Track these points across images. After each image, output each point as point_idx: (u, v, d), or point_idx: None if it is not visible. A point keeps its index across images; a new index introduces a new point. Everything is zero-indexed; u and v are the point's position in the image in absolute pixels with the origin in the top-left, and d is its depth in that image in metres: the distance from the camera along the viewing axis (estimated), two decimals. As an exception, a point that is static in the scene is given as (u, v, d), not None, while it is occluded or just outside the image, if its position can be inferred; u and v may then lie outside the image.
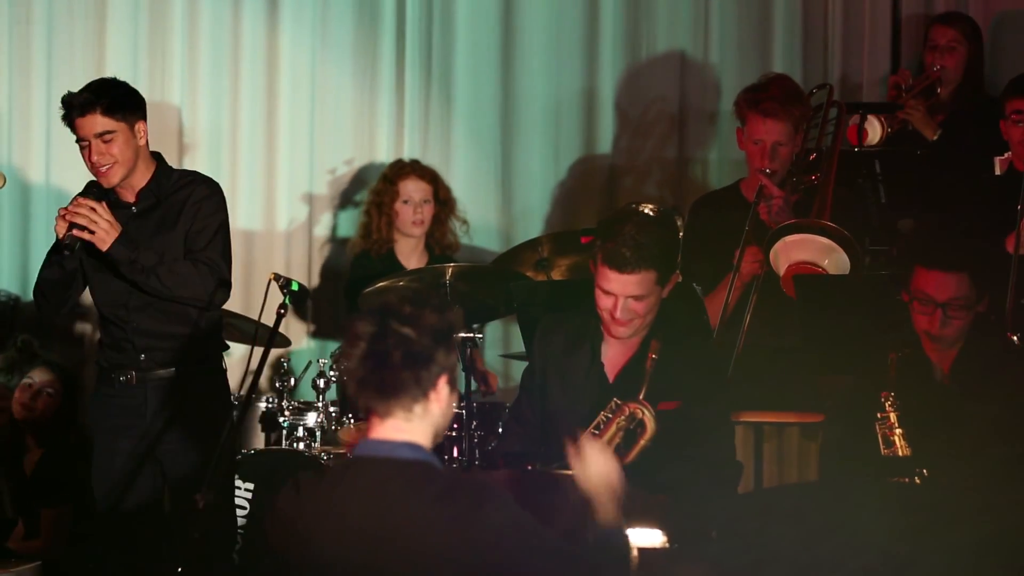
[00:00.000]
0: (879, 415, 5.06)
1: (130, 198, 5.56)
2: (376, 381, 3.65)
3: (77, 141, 5.51)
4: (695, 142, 7.93)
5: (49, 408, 6.56)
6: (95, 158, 5.46)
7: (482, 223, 7.67)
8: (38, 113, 7.34)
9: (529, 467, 4.89)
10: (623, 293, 4.95)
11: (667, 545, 4.20)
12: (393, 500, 3.63)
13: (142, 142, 5.53)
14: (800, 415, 6.09)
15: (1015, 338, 5.51)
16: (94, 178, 5.57)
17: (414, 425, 3.68)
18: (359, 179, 7.67)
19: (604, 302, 5.00)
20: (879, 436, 5.05)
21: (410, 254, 7.21)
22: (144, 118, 5.55)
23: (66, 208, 5.41)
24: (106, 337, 5.63)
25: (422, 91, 7.75)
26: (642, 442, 4.88)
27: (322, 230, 7.67)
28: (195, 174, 5.71)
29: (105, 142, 5.45)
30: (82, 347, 7.38)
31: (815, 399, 6.09)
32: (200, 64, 7.47)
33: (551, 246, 6.95)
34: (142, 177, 5.56)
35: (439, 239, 7.24)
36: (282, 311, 5.19)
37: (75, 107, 5.46)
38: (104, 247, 5.39)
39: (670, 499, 4.71)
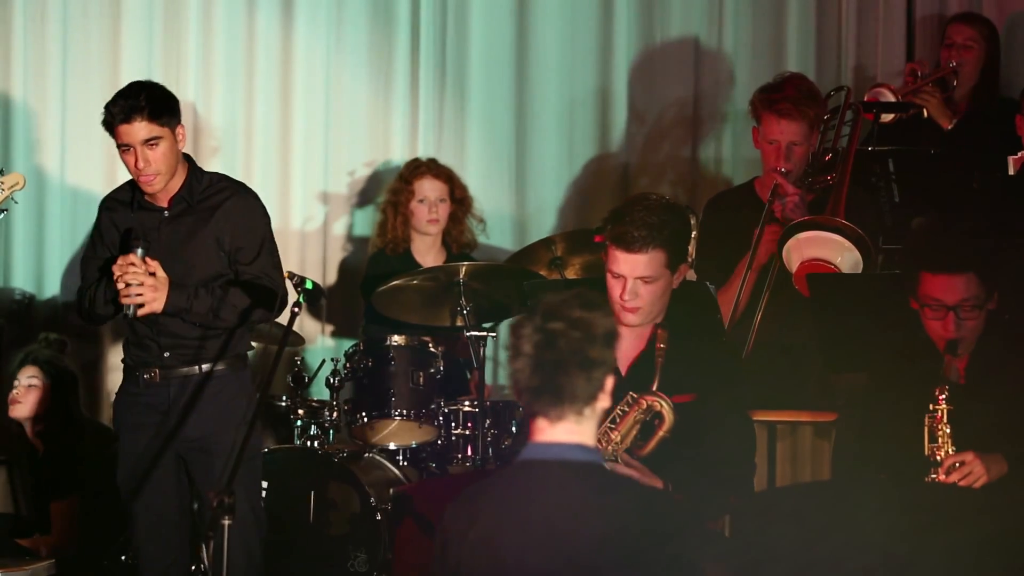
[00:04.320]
0: (931, 407, 5.04)
1: (163, 202, 5.51)
2: (551, 387, 3.67)
3: (119, 147, 5.45)
4: (709, 140, 7.93)
5: (41, 399, 6.55)
6: (140, 165, 5.40)
7: (496, 221, 7.67)
8: (53, 111, 7.36)
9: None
10: (632, 274, 4.94)
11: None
12: (571, 502, 3.66)
13: (181, 146, 5.50)
14: (813, 414, 6.09)
15: None
16: (114, 185, 5.57)
17: (583, 427, 3.72)
18: (374, 178, 7.68)
19: (614, 286, 4.98)
20: (926, 430, 5.04)
21: (427, 252, 7.22)
22: (181, 121, 5.51)
23: (118, 269, 5.35)
24: (131, 335, 5.60)
25: (436, 90, 7.76)
26: (660, 433, 4.88)
27: (337, 229, 7.68)
28: (227, 179, 5.66)
29: (150, 148, 5.40)
30: (99, 344, 7.40)
31: (828, 398, 6.10)
32: (215, 63, 7.49)
33: (565, 244, 6.95)
34: (177, 181, 5.51)
35: (456, 237, 7.25)
36: (296, 309, 5.19)
37: (118, 113, 5.41)
38: (158, 311, 5.39)
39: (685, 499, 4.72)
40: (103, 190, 7.34)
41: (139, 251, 5.39)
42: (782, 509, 4.65)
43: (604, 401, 3.73)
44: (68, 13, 7.37)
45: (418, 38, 7.73)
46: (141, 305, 5.37)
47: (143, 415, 5.54)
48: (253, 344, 5.80)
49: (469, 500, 3.79)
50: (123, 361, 5.68)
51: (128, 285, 5.36)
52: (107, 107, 5.45)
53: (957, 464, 4.98)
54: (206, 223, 5.51)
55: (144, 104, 5.40)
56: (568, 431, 3.71)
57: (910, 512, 4.56)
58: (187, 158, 5.57)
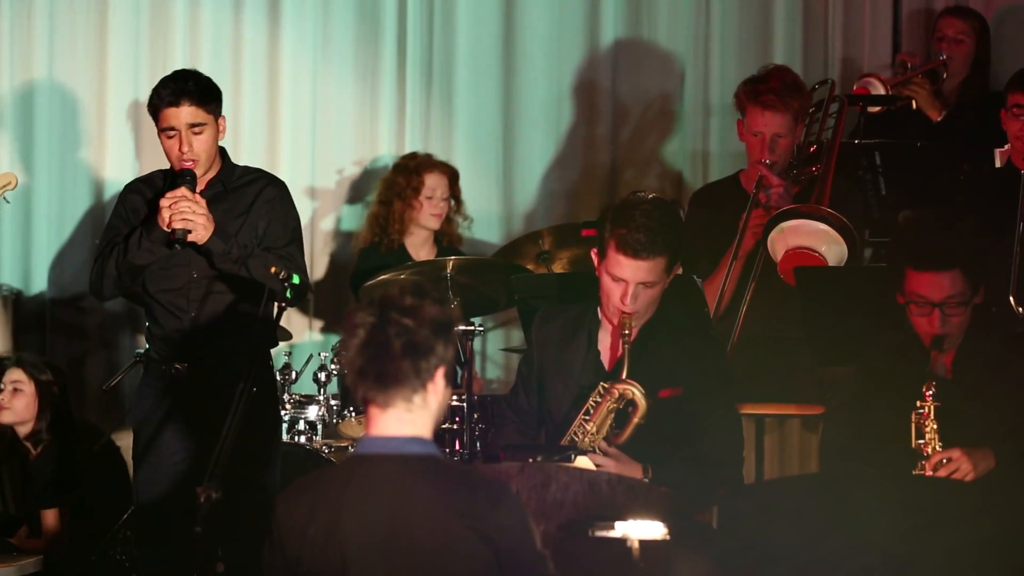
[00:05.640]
0: (918, 403, 5.03)
1: (198, 186, 5.55)
2: (376, 370, 3.68)
3: (162, 131, 5.49)
4: (695, 135, 7.93)
5: (28, 403, 6.47)
6: (184, 149, 5.45)
7: (483, 216, 7.67)
8: (40, 109, 7.34)
9: (530, 460, 4.88)
10: (635, 279, 4.93)
11: (668, 538, 4.19)
12: (413, 497, 3.66)
13: (221, 137, 5.57)
14: (801, 407, 6.09)
15: (1021, 310, 5.53)
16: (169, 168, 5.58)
17: (415, 416, 3.72)
18: (361, 174, 7.67)
19: (613, 289, 4.96)
20: (913, 426, 5.04)
21: (420, 247, 7.23)
22: (223, 113, 5.58)
23: (168, 200, 5.37)
24: (157, 328, 5.59)
25: (423, 85, 7.76)
26: (635, 419, 4.88)
27: (324, 225, 7.67)
28: (260, 170, 5.76)
29: (195, 133, 5.46)
30: (85, 340, 7.39)
31: (816, 391, 6.09)
32: (202, 59, 7.46)
33: (552, 239, 6.96)
34: (213, 169, 5.58)
35: (447, 233, 7.26)
36: (283, 305, 5.19)
37: (167, 96, 5.46)
38: (202, 241, 5.40)
39: (672, 492, 4.71)
40: (91, 186, 7.38)
41: (187, 187, 5.41)
42: (775, 506, 4.63)
43: (438, 394, 3.73)
44: (55, 8, 7.35)
45: (405, 34, 7.73)
46: (189, 232, 5.35)
47: (168, 409, 5.52)
48: (278, 340, 5.81)
49: (303, 494, 3.77)
50: (141, 356, 5.68)
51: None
52: (155, 90, 5.51)
53: (944, 460, 4.98)
54: (247, 210, 5.57)
55: (193, 88, 5.47)
56: (399, 420, 3.71)
57: (910, 512, 4.54)
58: (221, 150, 5.62)
